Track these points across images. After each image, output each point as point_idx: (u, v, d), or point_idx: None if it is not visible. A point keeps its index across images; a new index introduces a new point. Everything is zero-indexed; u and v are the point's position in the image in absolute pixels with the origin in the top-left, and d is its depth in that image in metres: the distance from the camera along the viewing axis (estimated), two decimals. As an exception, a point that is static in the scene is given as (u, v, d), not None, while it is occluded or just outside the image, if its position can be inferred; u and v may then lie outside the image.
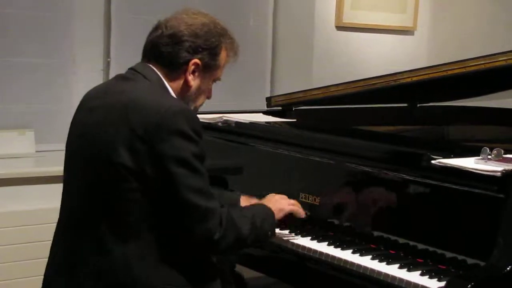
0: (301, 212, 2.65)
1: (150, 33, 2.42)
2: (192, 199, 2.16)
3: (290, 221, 2.67)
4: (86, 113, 2.33)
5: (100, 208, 2.20)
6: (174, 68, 2.36)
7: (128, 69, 2.42)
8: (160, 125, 2.14)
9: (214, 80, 2.48)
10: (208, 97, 2.50)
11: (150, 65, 2.37)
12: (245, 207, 2.54)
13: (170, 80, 2.36)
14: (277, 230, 2.58)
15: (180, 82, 2.37)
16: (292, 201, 2.66)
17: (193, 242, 2.23)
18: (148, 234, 2.18)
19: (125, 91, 2.28)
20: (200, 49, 2.35)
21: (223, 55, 2.43)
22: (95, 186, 2.21)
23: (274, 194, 2.66)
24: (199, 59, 2.35)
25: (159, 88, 2.33)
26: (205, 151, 2.24)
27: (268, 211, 2.49)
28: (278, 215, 2.53)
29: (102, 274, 2.18)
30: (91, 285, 2.20)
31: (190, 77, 2.36)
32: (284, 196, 2.66)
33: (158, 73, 2.35)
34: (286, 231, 2.70)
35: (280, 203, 2.59)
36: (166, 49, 2.34)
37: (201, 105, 2.48)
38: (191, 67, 2.35)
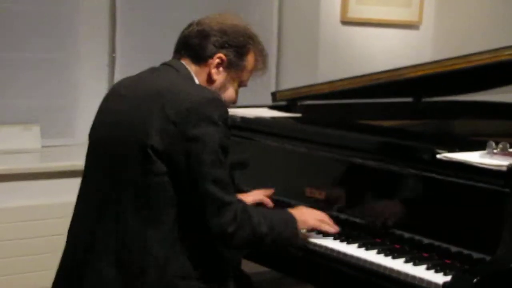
0: (328, 228, 2.59)
1: (183, 30, 2.47)
2: (211, 190, 2.18)
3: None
4: (119, 100, 2.37)
5: (126, 191, 2.22)
6: (201, 61, 2.40)
7: (162, 63, 2.48)
8: (192, 111, 2.18)
9: (240, 85, 2.51)
10: (234, 102, 2.53)
11: (181, 60, 2.42)
12: (268, 210, 2.59)
13: (197, 73, 2.41)
14: None
15: (205, 76, 2.41)
16: (320, 215, 2.62)
17: (208, 234, 2.24)
18: (169, 221, 2.20)
19: (158, 79, 2.35)
20: (226, 45, 2.40)
21: (250, 58, 2.47)
22: (122, 169, 2.24)
23: (303, 207, 2.64)
24: (225, 54, 2.40)
25: (189, 80, 2.38)
26: (229, 144, 2.27)
27: (291, 218, 2.46)
28: (302, 226, 2.51)
29: (120, 253, 2.21)
30: (108, 263, 2.22)
31: (213, 71, 2.40)
32: (313, 210, 2.63)
33: (187, 67, 2.40)
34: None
35: (305, 216, 2.56)
36: (194, 42, 2.40)
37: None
38: (216, 61, 2.40)
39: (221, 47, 2.39)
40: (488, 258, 2.22)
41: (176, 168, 2.18)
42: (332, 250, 2.50)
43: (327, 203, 2.75)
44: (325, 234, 2.59)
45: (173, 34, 4.53)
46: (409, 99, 3.97)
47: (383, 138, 2.82)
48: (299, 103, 3.72)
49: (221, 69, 2.41)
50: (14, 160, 3.89)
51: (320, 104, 3.81)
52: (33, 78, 4.12)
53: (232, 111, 3.22)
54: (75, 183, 3.79)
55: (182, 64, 2.41)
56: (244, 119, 3.18)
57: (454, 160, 2.35)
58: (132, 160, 2.22)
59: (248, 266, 2.81)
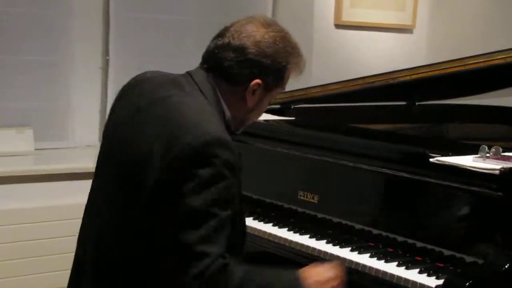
0: None
1: (216, 38, 2.21)
2: (186, 238, 1.92)
3: None
4: (132, 110, 2.15)
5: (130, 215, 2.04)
6: (234, 84, 2.16)
7: (187, 72, 2.22)
8: (191, 150, 1.94)
9: (272, 99, 2.31)
10: (261, 113, 2.33)
11: (210, 77, 2.17)
12: (275, 272, 2.08)
13: (227, 93, 2.17)
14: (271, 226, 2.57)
15: (237, 98, 2.18)
16: (334, 273, 2.15)
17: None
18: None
19: (176, 102, 2.09)
20: (265, 72, 2.16)
21: (288, 75, 2.24)
22: (123, 190, 2.06)
23: (313, 270, 2.12)
24: (262, 79, 2.16)
25: (211, 108, 2.12)
26: (233, 192, 2.02)
27: (296, 284, 2.05)
28: None
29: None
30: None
31: (248, 96, 2.18)
32: (327, 273, 2.14)
33: (216, 87, 2.16)
34: (285, 229, 2.71)
35: (321, 284, 2.10)
36: (229, 64, 2.14)
37: (254, 120, 2.33)
38: (253, 87, 2.17)
39: (259, 73, 2.15)
40: (480, 261, 2.22)
41: (157, 214, 1.96)
42: (325, 253, 2.50)
43: (319, 206, 2.74)
44: (318, 238, 2.60)
45: (166, 36, 4.57)
46: (402, 103, 3.97)
47: (376, 141, 2.82)
48: (292, 107, 3.72)
49: (257, 93, 2.18)
50: (7, 163, 3.88)
51: (314, 108, 3.81)
52: (26, 80, 4.12)
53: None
54: (68, 186, 3.83)
55: (211, 83, 2.16)
56: (237, 122, 3.18)
57: (447, 164, 2.35)
58: (133, 197, 2.02)
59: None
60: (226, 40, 2.17)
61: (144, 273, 2.02)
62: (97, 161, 2.24)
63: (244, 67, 2.14)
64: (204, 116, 2.06)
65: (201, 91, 2.14)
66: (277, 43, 2.20)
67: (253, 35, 2.16)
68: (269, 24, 2.23)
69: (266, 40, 2.17)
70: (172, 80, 2.20)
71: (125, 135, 2.12)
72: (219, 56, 2.16)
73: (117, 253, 2.06)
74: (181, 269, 1.90)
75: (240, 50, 2.14)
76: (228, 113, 2.19)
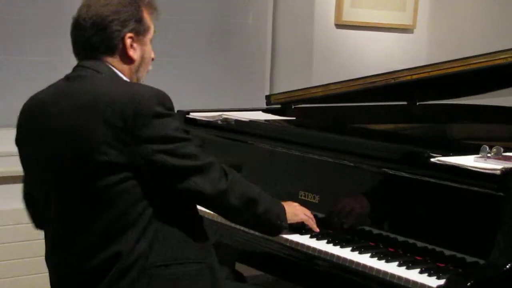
0: (314, 226, 2.64)
1: (72, 32, 2.37)
2: (190, 164, 2.21)
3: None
4: (50, 119, 2.27)
5: (89, 208, 2.18)
6: (113, 50, 2.32)
7: (74, 67, 2.37)
8: (138, 113, 2.14)
9: (151, 41, 2.45)
10: (153, 58, 2.48)
11: (95, 59, 2.32)
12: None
13: (114, 62, 2.33)
14: None
15: (124, 61, 2.35)
16: (308, 212, 2.66)
17: (205, 202, 2.29)
18: (143, 218, 2.18)
19: (85, 89, 2.24)
20: (126, 22, 2.31)
21: (147, 16, 2.39)
22: (81, 189, 2.19)
23: (292, 202, 2.67)
24: (130, 30, 2.32)
25: (115, 77, 2.31)
26: (180, 124, 2.31)
27: (280, 204, 2.53)
28: (291, 218, 2.55)
29: (100, 267, 2.19)
30: (83, 276, 2.22)
31: (131, 52, 2.34)
32: (303, 208, 2.67)
33: (105, 62, 2.32)
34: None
35: (296, 209, 2.61)
36: (98, 38, 2.30)
37: (148, 69, 2.46)
38: (128, 41, 2.32)
39: (123, 26, 2.30)
40: (481, 261, 2.22)
41: (142, 170, 2.15)
42: (326, 253, 2.49)
43: (320, 207, 2.74)
44: (319, 238, 2.60)
45: (166, 36, 4.56)
46: (403, 103, 3.97)
47: (377, 141, 2.82)
48: (293, 107, 3.72)
49: (135, 45, 2.34)
50: (9, 162, 3.88)
51: (315, 108, 3.82)
52: (29, 81, 4.12)
53: (227, 114, 3.23)
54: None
55: (100, 61, 2.31)
56: (238, 122, 3.18)
57: (448, 164, 2.35)
58: (84, 180, 2.16)
59: (242, 269, 2.82)
60: (81, 25, 2.31)
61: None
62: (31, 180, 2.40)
63: (109, 31, 2.29)
64: (120, 85, 2.27)
65: (97, 71, 2.28)
66: None
67: (98, 4, 2.31)
68: None
69: (108, 3, 2.31)
70: (66, 78, 2.37)
71: (58, 137, 2.23)
72: (86, 39, 2.31)
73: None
74: (201, 182, 2.22)
75: (96, 22, 2.29)
76: (128, 78, 2.36)
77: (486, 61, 3.01)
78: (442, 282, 2.15)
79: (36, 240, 3.74)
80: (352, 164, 2.69)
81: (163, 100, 2.21)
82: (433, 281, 2.19)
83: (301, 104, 3.72)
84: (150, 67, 2.46)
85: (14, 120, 4.06)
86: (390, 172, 2.55)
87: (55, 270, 2.34)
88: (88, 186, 2.16)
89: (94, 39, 2.30)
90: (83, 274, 2.22)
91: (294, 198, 2.79)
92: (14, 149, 3.57)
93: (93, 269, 2.20)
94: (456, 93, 3.77)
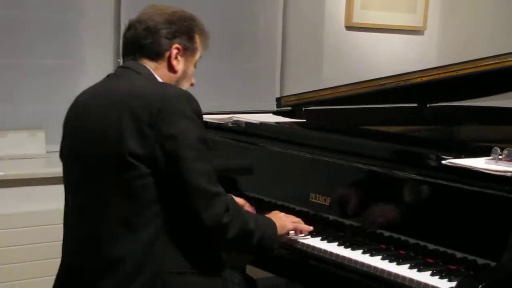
0: (305, 228, 2.66)
1: (124, 34, 2.48)
2: (200, 183, 2.20)
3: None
4: (86, 113, 2.36)
5: (112, 200, 2.22)
6: (158, 56, 2.41)
7: (117, 67, 2.51)
8: (165, 109, 2.19)
9: (195, 65, 2.53)
10: (192, 84, 2.54)
11: (138, 61, 2.42)
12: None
13: (156, 69, 2.41)
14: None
15: (165, 69, 2.43)
16: (295, 219, 2.67)
17: (202, 228, 2.24)
18: (159, 220, 2.21)
19: (121, 86, 2.33)
20: (177, 34, 2.42)
21: (198, 38, 2.49)
22: (98, 179, 2.25)
23: (278, 212, 2.68)
24: (179, 43, 2.42)
25: (152, 79, 2.39)
26: (207, 136, 2.31)
27: (271, 222, 2.51)
28: (280, 232, 2.55)
29: (114, 263, 2.21)
30: (100, 276, 2.23)
31: (174, 62, 2.42)
32: (288, 215, 2.69)
33: (146, 66, 2.41)
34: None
35: (282, 221, 2.60)
36: (146, 41, 2.40)
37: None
38: (174, 51, 2.42)
39: (173, 37, 2.41)
40: (493, 264, 2.22)
41: (159, 168, 2.19)
42: (337, 255, 2.49)
43: (331, 209, 2.74)
44: (330, 240, 2.60)
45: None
46: (414, 105, 3.97)
47: (388, 144, 2.82)
48: (303, 109, 3.72)
49: (179, 57, 2.43)
50: (19, 165, 3.90)
51: (325, 110, 3.81)
52: (38, 83, 4.13)
53: (237, 116, 3.23)
54: (80, 189, 3.82)
55: (140, 64, 2.41)
56: (249, 125, 3.18)
57: (459, 166, 2.34)
58: (109, 172, 2.22)
59: (252, 272, 2.82)
60: (134, 29, 2.42)
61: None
62: (66, 172, 2.44)
63: (159, 37, 2.40)
64: (154, 84, 2.36)
65: (136, 72, 2.38)
66: (177, 12, 2.47)
67: (155, 13, 2.44)
68: (163, 5, 2.49)
69: (167, 12, 2.45)
70: (107, 77, 2.47)
71: (89, 130, 2.30)
72: (135, 41, 2.42)
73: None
74: (205, 209, 2.21)
75: (149, 27, 2.40)
76: None
77: (496, 63, 3.00)
78: (453, 284, 2.14)
79: (43, 243, 3.76)
80: (363, 166, 2.68)
81: (193, 103, 2.26)
82: (444, 283, 2.19)
83: (311, 106, 3.72)
84: (188, 86, 2.50)
85: (23, 123, 4.10)
86: (401, 174, 2.54)
87: (71, 257, 2.37)
88: (113, 178, 2.21)
89: (143, 41, 2.40)
90: (99, 264, 2.24)
91: (305, 201, 2.79)
92: (23, 152, 3.58)
93: (108, 262, 2.22)
94: (467, 95, 3.77)
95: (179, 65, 2.43)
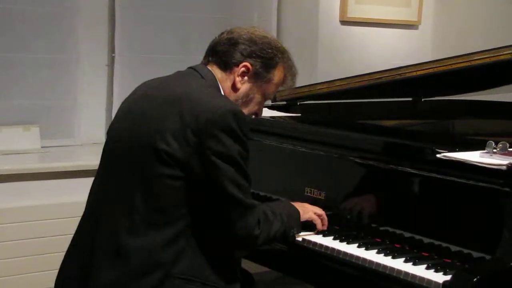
0: (320, 225, 2.64)
1: (215, 37, 2.47)
2: (236, 194, 2.22)
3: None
4: (140, 99, 2.37)
5: (139, 191, 2.23)
6: (227, 68, 2.40)
7: (187, 68, 2.46)
8: (212, 121, 2.18)
9: (266, 97, 2.50)
10: (257, 114, 2.53)
11: (208, 66, 2.42)
12: (274, 203, 2.60)
13: (222, 80, 2.40)
14: None
15: (229, 84, 2.41)
16: (319, 210, 2.67)
17: (231, 237, 2.27)
18: (180, 223, 2.21)
19: (181, 85, 2.34)
20: (254, 55, 2.39)
21: (278, 72, 2.46)
22: (132, 170, 2.25)
23: (303, 203, 2.67)
24: (251, 64, 2.39)
25: (213, 88, 2.37)
26: (249, 154, 2.30)
27: (294, 209, 2.55)
28: (303, 217, 2.58)
29: (127, 254, 2.21)
30: (110, 263, 2.23)
31: (238, 79, 2.40)
32: (313, 206, 2.68)
33: (213, 73, 2.40)
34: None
35: (306, 207, 2.63)
36: (222, 48, 2.40)
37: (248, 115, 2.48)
38: (241, 69, 2.39)
39: (248, 56, 2.38)
40: (488, 257, 2.22)
41: (194, 175, 2.20)
42: (332, 249, 2.49)
43: (326, 203, 2.74)
44: (326, 234, 2.60)
45: (171, 34, 4.57)
46: (409, 99, 3.97)
47: (383, 137, 2.82)
48: (298, 103, 3.72)
49: (246, 78, 2.40)
50: (13, 161, 3.89)
51: (320, 104, 3.81)
52: (32, 78, 4.12)
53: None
54: (74, 184, 3.84)
55: (208, 70, 2.40)
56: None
57: (454, 159, 2.35)
58: (143, 162, 2.23)
59: (247, 266, 2.82)
60: (222, 35, 2.44)
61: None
62: (101, 157, 2.42)
63: (234, 49, 2.38)
64: (212, 93, 2.32)
65: (202, 77, 2.37)
66: (268, 39, 2.44)
67: (247, 30, 2.43)
68: (264, 31, 2.49)
69: (258, 34, 2.43)
70: (175, 73, 2.46)
71: (138, 116, 2.31)
72: (214, 46, 2.43)
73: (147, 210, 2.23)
74: (239, 220, 2.23)
75: (233, 37, 2.40)
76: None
77: (490, 57, 3.00)
78: (448, 277, 2.15)
79: (41, 238, 3.76)
80: (357, 160, 2.69)
81: (241, 121, 2.24)
82: (439, 276, 2.19)
83: (306, 100, 3.72)
84: (247, 112, 2.46)
85: (17, 118, 4.09)
86: (396, 168, 2.55)
87: (87, 235, 2.35)
88: (145, 169, 2.22)
89: (220, 47, 2.41)
90: (111, 249, 2.24)
91: (300, 195, 2.79)
92: (18, 147, 3.59)
93: (118, 251, 2.22)
94: (461, 89, 3.77)
95: (242, 84, 2.41)
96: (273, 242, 2.47)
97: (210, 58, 2.43)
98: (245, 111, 2.44)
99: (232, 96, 2.41)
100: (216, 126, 2.18)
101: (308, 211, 2.62)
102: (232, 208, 2.23)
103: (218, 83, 2.39)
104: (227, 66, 2.39)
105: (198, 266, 2.24)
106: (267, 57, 2.41)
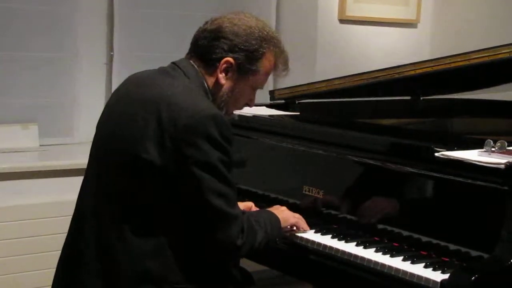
0: (305, 226, 2.62)
1: (198, 28, 2.37)
2: (216, 204, 2.14)
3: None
4: (123, 100, 2.30)
5: (122, 199, 2.18)
6: (209, 64, 2.30)
7: (170, 63, 2.37)
8: (190, 127, 2.10)
9: (255, 88, 2.41)
10: (249, 105, 2.44)
11: (191, 60, 2.33)
12: (256, 213, 2.52)
13: (207, 74, 2.31)
14: None
15: (213, 80, 2.32)
16: (297, 214, 2.63)
17: (214, 247, 2.21)
18: (166, 231, 2.16)
19: (163, 86, 2.23)
20: (236, 49, 2.28)
21: (266, 61, 2.35)
22: (113, 176, 2.21)
23: (279, 206, 2.63)
24: (234, 58, 2.29)
25: (196, 87, 2.28)
26: (232, 159, 2.21)
27: (276, 218, 2.46)
28: (283, 225, 2.52)
29: (106, 265, 2.19)
30: (98, 270, 2.20)
31: (220, 75, 2.30)
32: (289, 210, 2.63)
33: (197, 67, 2.31)
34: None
35: (285, 214, 2.57)
36: (203, 43, 2.30)
37: (235, 110, 2.43)
38: (223, 66, 2.29)
39: (230, 50, 2.28)
40: (486, 255, 2.22)
41: (175, 184, 2.13)
42: (330, 248, 2.50)
43: (325, 202, 2.74)
44: (324, 233, 2.60)
45: (170, 32, 4.56)
46: (407, 98, 3.97)
47: (381, 136, 2.82)
48: (297, 102, 3.72)
49: (229, 74, 2.31)
50: (12, 159, 3.89)
51: (319, 103, 3.81)
52: (31, 77, 4.12)
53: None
54: (73, 182, 3.82)
55: (192, 66, 2.31)
56: (242, 117, 3.18)
57: (452, 158, 2.34)
58: (124, 169, 2.18)
59: (247, 265, 2.81)
60: (205, 26, 2.33)
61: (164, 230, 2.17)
62: (92, 148, 2.37)
63: (215, 44, 2.28)
64: (193, 95, 2.21)
65: (185, 74, 2.28)
66: (252, 28, 2.31)
67: (231, 20, 2.31)
68: (250, 16, 2.36)
69: (242, 23, 2.30)
70: (158, 70, 2.36)
71: (118, 116, 2.25)
72: (196, 39, 2.33)
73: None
74: (221, 230, 2.16)
75: (215, 30, 2.29)
76: (210, 96, 2.31)
77: (489, 56, 3.00)
78: (446, 276, 2.15)
79: (40, 237, 3.76)
80: (356, 159, 2.69)
81: (222, 126, 2.15)
82: (437, 275, 2.19)
83: (305, 99, 3.72)
84: (237, 108, 2.42)
85: (16, 117, 4.08)
86: (394, 167, 2.55)
87: (73, 248, 2.32)
88: (125, 177, 2.17)
89: (202, 42, 2.31)
90: (99, 262, 2.21)
91: (298, 193, 2.79)
92: (16, 145, 3.58)
93: (108, 261, 2.19)
94: (460, 88, 3.77)
95: (225, 81, 2.31)
96: (256, 251, 2.36)
97: (193, 53, 2.34)
98: (234, 107, 2.39)
99: (218, 92, 2.32)
100: (195, 133, 2.10)
101: (289, 217, 2.57)
102: (215, 219, 2.16)
103: (203, 79, 2.31)
104: (208, 62, 2.30)
105: (189, 275, 2.20)
106: (251, 49, 2.30)
